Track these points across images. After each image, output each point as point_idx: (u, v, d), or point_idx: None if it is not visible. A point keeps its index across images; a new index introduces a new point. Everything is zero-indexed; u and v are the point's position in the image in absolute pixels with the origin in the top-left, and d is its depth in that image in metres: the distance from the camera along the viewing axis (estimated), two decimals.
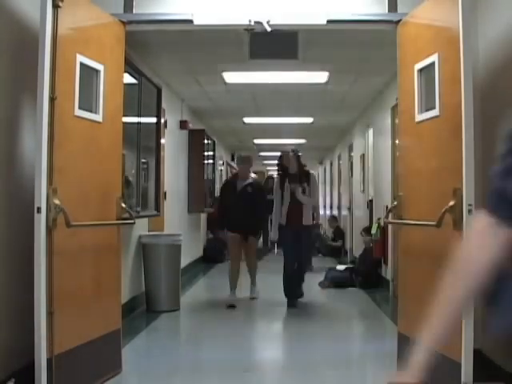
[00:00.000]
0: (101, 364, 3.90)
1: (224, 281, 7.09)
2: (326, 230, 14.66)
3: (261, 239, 10.11)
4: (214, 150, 12.14)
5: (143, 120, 6.31)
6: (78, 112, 3.66)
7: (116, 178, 4.18)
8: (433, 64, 3.59)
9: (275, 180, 7.42)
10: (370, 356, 4.80)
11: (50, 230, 3.37)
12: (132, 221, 4.36)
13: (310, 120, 11.02)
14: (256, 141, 14.87)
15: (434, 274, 3.90)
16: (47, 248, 3.35)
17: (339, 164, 14.99)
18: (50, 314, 3.34)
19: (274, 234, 6.99)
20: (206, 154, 10.60)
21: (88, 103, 3.80)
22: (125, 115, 4.34)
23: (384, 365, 4.33)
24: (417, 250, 3.86)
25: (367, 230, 8.87)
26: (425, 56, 3.67)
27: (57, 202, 3.37)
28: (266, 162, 22.45)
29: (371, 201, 9.07)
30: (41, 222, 3.33)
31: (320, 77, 7.43)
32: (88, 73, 3.80)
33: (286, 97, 8.99)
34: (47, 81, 3.35)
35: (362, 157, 10.31)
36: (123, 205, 4.16)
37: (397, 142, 6.32)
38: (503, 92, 3.85)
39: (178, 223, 8.78)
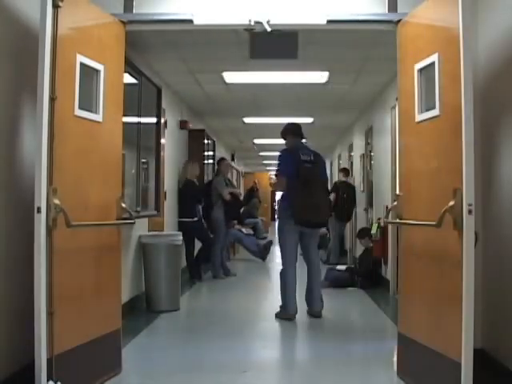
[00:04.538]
0: (101, 364, 3.89)
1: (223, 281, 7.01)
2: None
3: None
4: (214, 150, 12.13)
5: (143, 120, 6.31)
6: (78, 112, 3.66)
7: (116, 177, 4.18)
8: (433, 64, 3.59)
9: None
10: (369, 356, 4.79)
11: (50, 230, 3.36)
12: (132, 221, 4.36)
13: (310, 120, 11.01)
14: (256, 141, 14.87)
15: (434, 274, 3.91)
16: (47, 248, 3.35)
17: (339, 164, 14.99)
18: (50, 314, 3.34)
19: None
20: (206, 153, 10.59)
21: (88, 103, 3.80)
22: (125, 115, 4.34)
23: (384, 365, 4.33)
24: (417, 250, 3.85)
25: (362, 234, 8.85)
26: (425, 56, 3.67)
27: (57, 201, 3.37)
28: (265, 161, 22.49)
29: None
30: (41, 222, 3.32)
31: (320, 77, 7.44)
32: (88, 73, 3.80)
33: (286, 97, 8.99)
34: (47, 81, 3.35)
35: (362, 157, 10.31)
36: (123, 205, 4.16)
37: (397, 142, 6.31)
38: (503, 92, 3.85)
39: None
